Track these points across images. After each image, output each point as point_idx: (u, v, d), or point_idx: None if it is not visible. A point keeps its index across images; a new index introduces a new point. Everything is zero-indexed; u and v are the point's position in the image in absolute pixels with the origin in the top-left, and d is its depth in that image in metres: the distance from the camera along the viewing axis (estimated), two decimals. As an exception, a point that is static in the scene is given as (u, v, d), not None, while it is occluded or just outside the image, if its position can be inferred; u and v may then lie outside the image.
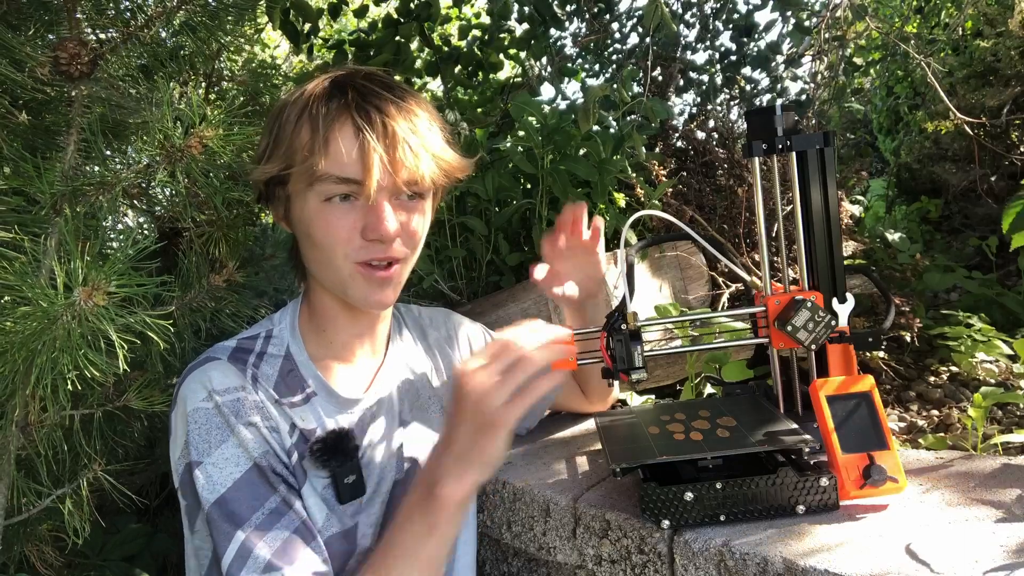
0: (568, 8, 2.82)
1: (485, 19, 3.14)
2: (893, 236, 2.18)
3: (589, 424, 1.46)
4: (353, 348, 1.11)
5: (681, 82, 2.71)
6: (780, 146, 1.10)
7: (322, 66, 2.77)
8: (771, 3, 2.69)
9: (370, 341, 1.14)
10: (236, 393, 0.97)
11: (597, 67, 2.98)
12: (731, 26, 2.84)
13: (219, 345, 1.05)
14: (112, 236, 1.09)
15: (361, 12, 3.00)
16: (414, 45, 2.78)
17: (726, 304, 1.81)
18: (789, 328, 1.05)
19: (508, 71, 3.21)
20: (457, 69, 2.86)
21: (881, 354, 1.61)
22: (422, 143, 0.98)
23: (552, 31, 2.86)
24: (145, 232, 1.38)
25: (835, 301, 1.11)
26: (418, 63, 2.95)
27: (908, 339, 1.64)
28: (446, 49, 2.93)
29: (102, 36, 1.00)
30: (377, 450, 1.08)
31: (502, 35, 2.89)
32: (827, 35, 2.65)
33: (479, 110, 2.81)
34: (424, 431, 1.15)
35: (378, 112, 0.95)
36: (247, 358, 1.02)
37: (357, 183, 0.95)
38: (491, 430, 0.84)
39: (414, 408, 1.16)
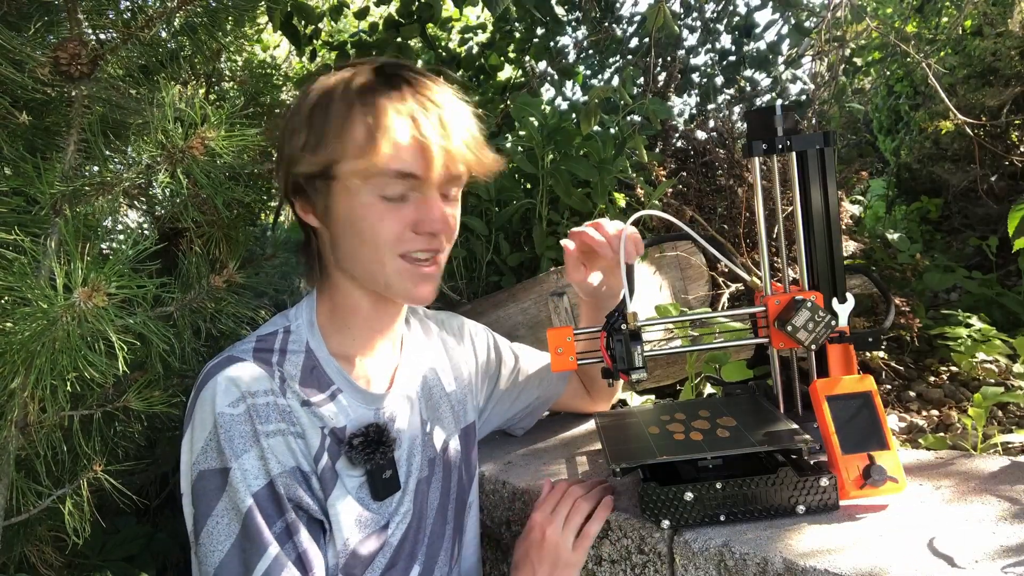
0: (570, 15, 2.83)
1: (487, 25, 3.14)
2: (893, 236, 2.18)
3: (589, 424, 1.46)
4: (375, 344, 1.11)
5: (681, 81, 2.71)
6: (780, 146, 1.10)
7: (323, 68, 2.77)
8: (771, 3, 2.69)
9: (390, 338, 1.13)
10: (267, 397, 0.95)
11: (598, 68, 2.99)
12: (731, 27, 2.84)
13: (238, 344, 1.02)
14: (112, 237, 1.09)
15: (362, 14, 3.01)
16: (415, 44, 2.78)
17: (726, 304, 1.81)
18: (789, 328, 1.05)
19: (509, 71, 3.21)
20: (459, 73, 2.87)
21: (881, 354, 1.61)
22: (473, 137, 1.00)
23: (556, 34, 2.86)
24: (145, 233, 1.38)
25: (835, 301, 1.11)
26: (420, 64, 2.95)
27: (908, 339, 1.64)
28: (444, 54, 2.94)
29: (102, 37, 1.00)
30: (403, 448, 1.08)
31: (503, 39, 2.89)
32: (827, 35, 2.65)
33: (479, 110, 2.81)
34: (439, 430, 1.15)
35: (435, 106, 0.96)
36: (271, 357, 1.00)
37: (416, 178, 0.95)
38: (568, 568, 1.04)
39: (429, 406, 1.16)
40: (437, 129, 0.94)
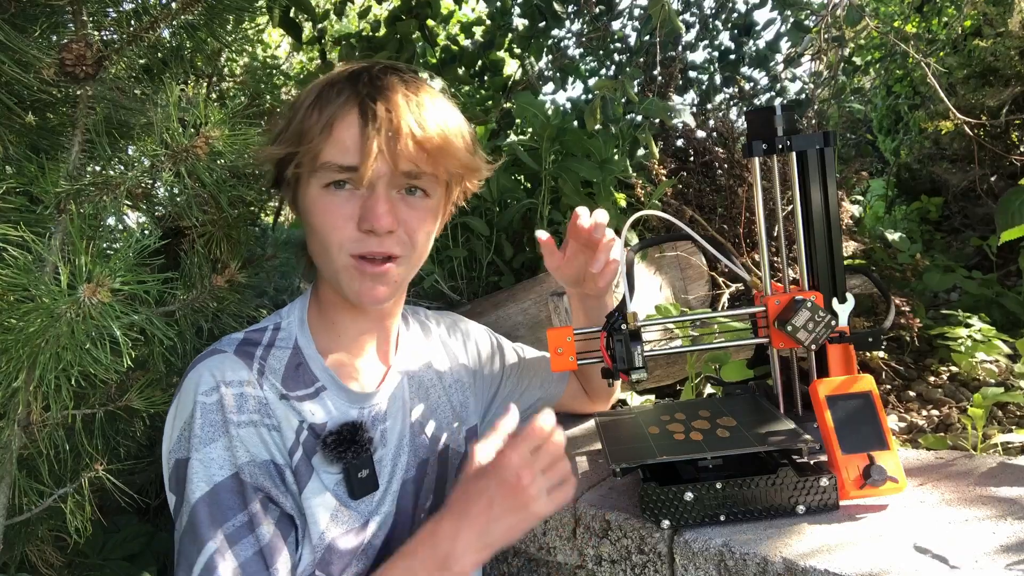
0: (569, 8, 2.83)
1: (486, 21, 3.13)
2: (893, 236, 2.19)
3: (589, 424, 1.46)
4: (363, 344, 1.11)
5: (681, 82, 2.71)
6: (780, 146, 1.10)
7: (326, 67, 2.77)
8: (770, 2, 2.69)
9: (380, 338, 1.13)
10: (240, 387, 0.96)
11: (597, 66, 2.99)
12: (730, 25, 2.84)
13: (226, 338, 1.04)
14: (114, 236, 1.10)
15: (365, 13, 3.01)
16: (416, 41, 2.78)
17: (726, 304, 1.81)
18: (789, 328, 1.05)
19: (510, 69, 3.21)
20: (460, 71, 2.87)
21: (881, 354, 1.61)
22: (428, 137, 0.97)
23: (553, 30, 2.86)
24: (147, 231, 1.38)
25: (835, 301, 1.12)
26: (421, 61, 2.95)
27: (908, 339, 1.64)
28: (454, 48, 2.93)
29: (107, 38, 1.00)
30: (388, 447, 1.08)
31: (503, 34, 2.89)
32: (826, 35, 2.65)
33: (478, 108, 2.81)
34: (433, 431, 1.15)
35: (385, 102, 0.96)
36: (254, 351, 1.01)
37: (354, 170, 0.95)
38: (528, 519, 0.90)
39: (424, 408, 1.15)
40: (383, 124, 0.94)
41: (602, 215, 1.11)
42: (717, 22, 2.90)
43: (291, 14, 2.54)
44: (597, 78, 2.96)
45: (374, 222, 0.96)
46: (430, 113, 0.99)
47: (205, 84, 1.56)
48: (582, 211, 1.11)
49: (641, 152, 1.92)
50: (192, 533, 0.90)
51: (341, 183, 0.97)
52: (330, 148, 0.95)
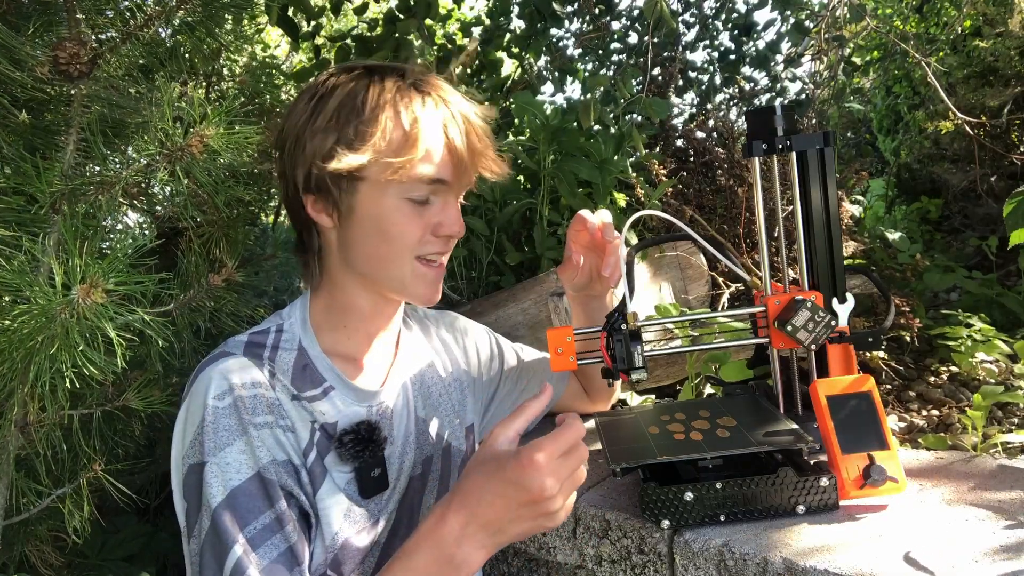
0: (568, 8, 2.82)
1: (485, 20, 3.13)
2: (893, 236, 2.18)
3: (589, 424, 1.46)
4: (370, 342, 1.11)
5: (680, 82, 2.71)
6: (780, 146, 1.10)
7: (321, 64, 2.77)
8: (770, 2, 2.69)
9: (385, 336, 1.13)
10: (254, 389, 0.96)
11: (597, 65, 2.99)
12: (730, 25, 2.84)
13: (231, 340, 1.03)
14: (111, 235, 1.09)
15: (361, 10, 3.00)
16: (416, 42, 2.78)
17: (726, 304, 1.81)
18: (789, 328, 1.05)
19: (509, 69, 3.21)
20: (459, 70, 2.86)
21: (881, 354, 1.61)
22: (488, 143, 1.03)
23: (552, 30, 2.86)
24: (144, 231, 1.38)
25: (835, 301, 1.11)
26: (420, 60, 2.95)
27: (908, 339, 1.63)
28: (449, 47, 2.93)
29: (102, 36, 1.00)
30: (396, 445, 1.08)
31: (502, 34, 2.89)
32: (826, 35, 2.65)
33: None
34: (436, 427, 1.15)
35: (461, 115, 1.00)
36: (262, 352, 1.01)
37: (445, 183, 0.99)
38: (545, 524, 0.85)
39: (426, 404, 1.16)
40: (463, 137, 0.99)
41: (606, 215, 1.13)
42: (717, 22, 2.90)
43: (289, 12, 2.54)
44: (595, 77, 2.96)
45: (455, 229, 1.01)
46: (482, 121, 1.04)
47: (204, 84, 1.56)
48: (586, 214, 1.13)
49: (641, 153, 1.92)
50: (215, 538, 0.89)
51: (424, 196, 0.99)
52: (420, 161, 0.96)
